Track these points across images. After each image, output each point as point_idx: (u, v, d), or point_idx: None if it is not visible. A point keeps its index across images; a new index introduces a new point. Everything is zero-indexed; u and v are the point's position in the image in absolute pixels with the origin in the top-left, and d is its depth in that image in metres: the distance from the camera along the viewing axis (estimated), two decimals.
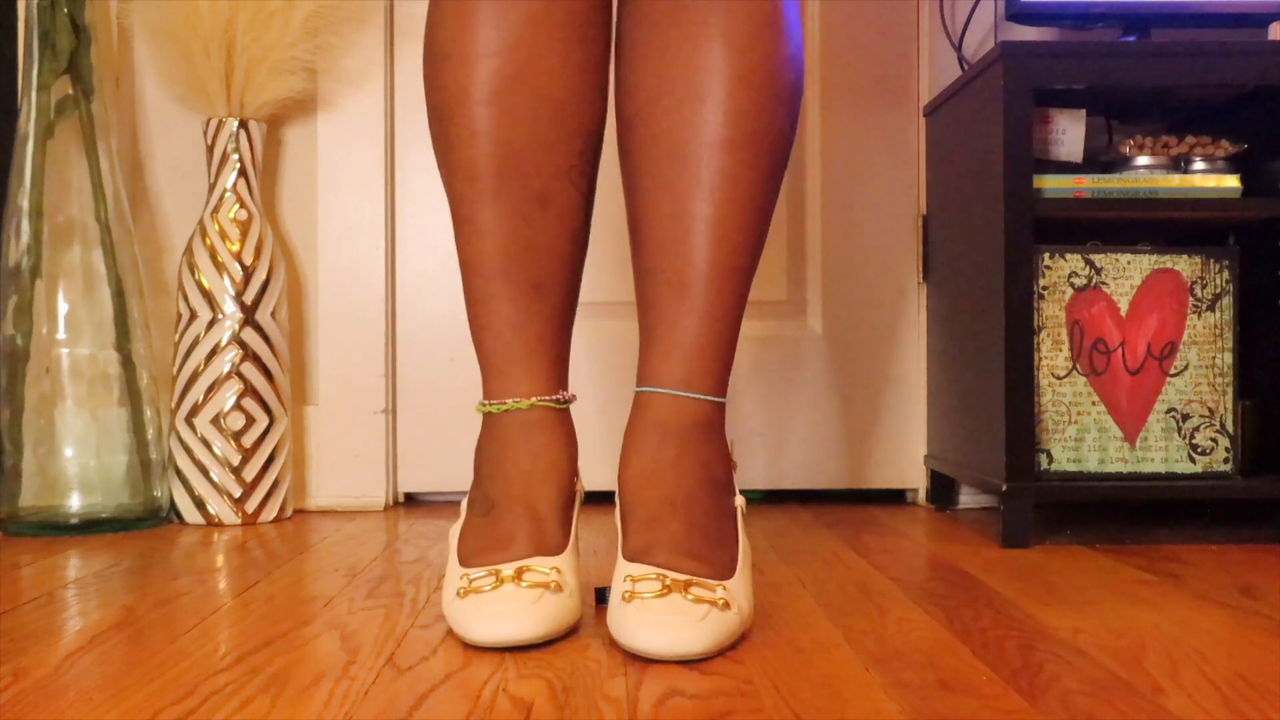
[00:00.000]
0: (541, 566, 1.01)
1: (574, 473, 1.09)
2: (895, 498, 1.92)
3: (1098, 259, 1.54)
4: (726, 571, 1.01)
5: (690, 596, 0.96)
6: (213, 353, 1.69)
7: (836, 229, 1.89)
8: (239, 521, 1.69)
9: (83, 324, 1.65)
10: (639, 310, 1.08)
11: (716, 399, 1.05)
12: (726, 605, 0.97)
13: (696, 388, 1.04)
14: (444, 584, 1.06)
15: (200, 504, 1.69)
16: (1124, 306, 1.54)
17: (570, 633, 1.02)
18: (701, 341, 1.04)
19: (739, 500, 1.07)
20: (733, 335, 1.06)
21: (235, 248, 1.70)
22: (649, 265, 1.05)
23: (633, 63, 1.07)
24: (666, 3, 1.05)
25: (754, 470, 1.88)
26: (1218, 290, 1.54)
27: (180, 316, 1.71)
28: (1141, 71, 1.52)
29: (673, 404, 1.04)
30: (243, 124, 1.73)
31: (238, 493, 1.69)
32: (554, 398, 1.08)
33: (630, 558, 1.01)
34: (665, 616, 0.94)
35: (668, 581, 0.97)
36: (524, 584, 0.99)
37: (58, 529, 1.61)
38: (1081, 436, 1.53)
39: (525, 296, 1.07)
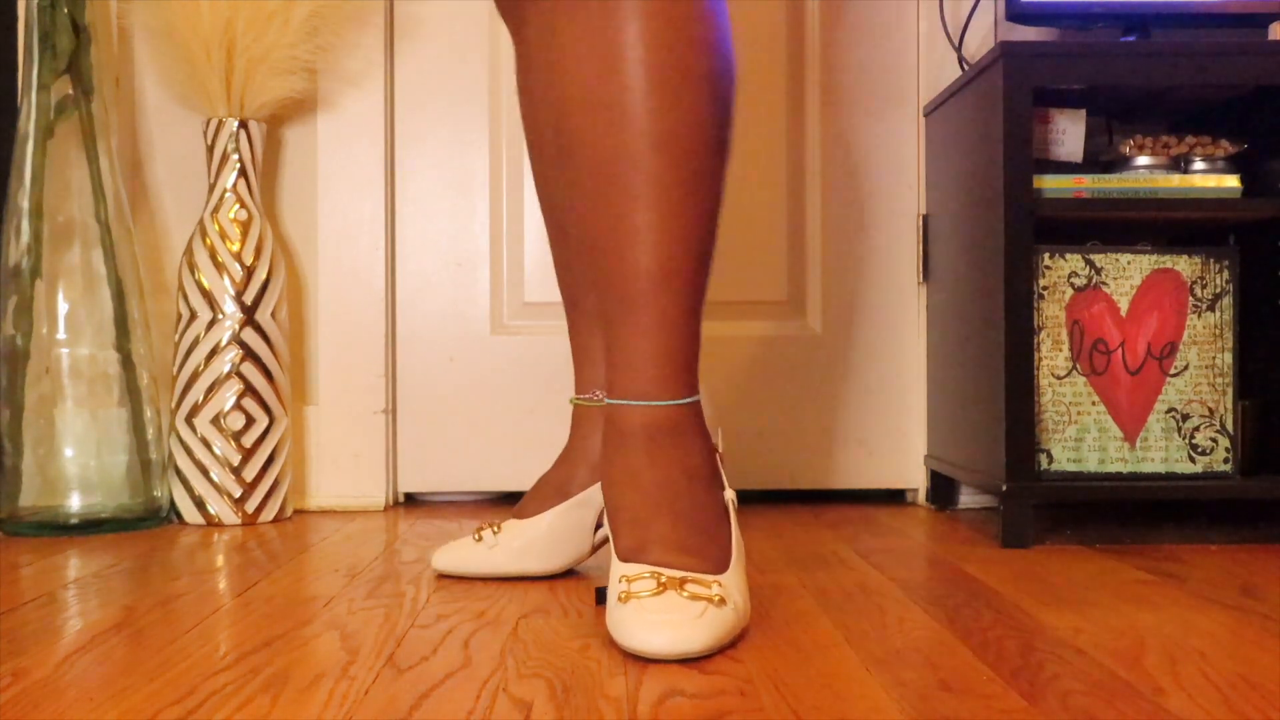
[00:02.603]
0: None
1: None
2: (895, 498, 1.92)
3: (1098, 259, 1.54)
4: (720, 566, 1.00)
5: (686, 594, 0.96)
6: (213, 353, 1.69)
7: (836, 229, 1.89)
8: (239, 521, 1.69)
9: (83, 324, 1.65)
10: (601, 317, 1.07)
11: (682, 401, 1.04)
12: (723, 601, 0.96)
13: (657, 396, 1.03)
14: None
15: (200, 504, 1.69)
16: (1124, 306, 1.54)
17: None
18: (656, 351, 1.03)
19: (728, 494, 1.06)
20: (689, 337, 1.04)
21: (235, 248, 1.70)
22: (593, 278, 1.05)
23: (540, 69, 1.06)
24: (567, 3, 1.01)
25: (754, 470, 1.88)
26: (1218, 290, 1.54)
27: (180, 316, 1.71)
28: (1141, 71, 1.52)
29: (639, 413, 1.04)
30: (243, 124, 1.73)
31: (238, 493, 1.69)
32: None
33: (624, 557, 1.01)
34: (663, 615, 0.94)
35: (663, 579, 0.96)
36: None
37: (58, 529, 1.61)
38: (1081, 436, 1.53)
39: None
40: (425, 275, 1.88)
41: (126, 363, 1.67)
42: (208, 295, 1.70)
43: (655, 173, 0.99)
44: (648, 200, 0.99)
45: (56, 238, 1.64)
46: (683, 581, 0.97)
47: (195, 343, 1.69)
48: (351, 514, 1.80)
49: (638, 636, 0.93)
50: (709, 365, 1.87)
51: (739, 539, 1.05)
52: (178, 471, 1.70)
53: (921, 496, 1.89)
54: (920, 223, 1.87)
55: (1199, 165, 1.57)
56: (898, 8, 1.88)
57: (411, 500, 1.93)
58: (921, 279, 1.88)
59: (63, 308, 1.64)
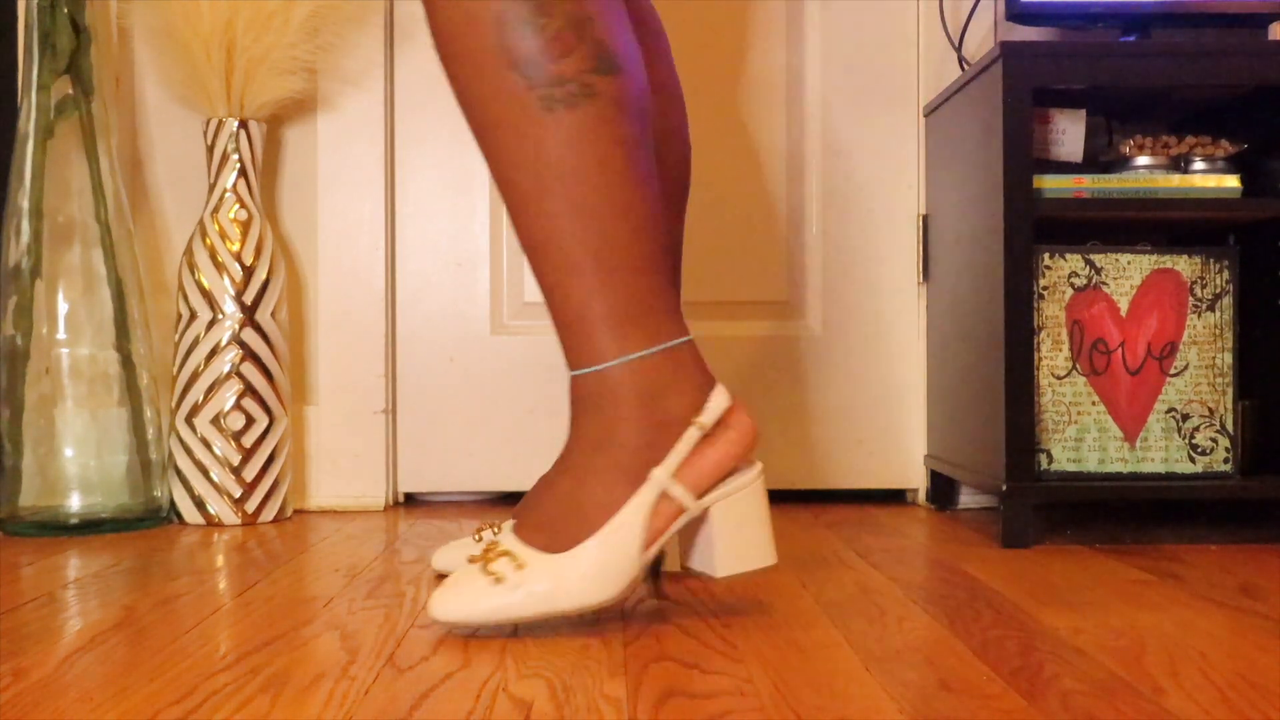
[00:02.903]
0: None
1: None
2: (895, 498, 1.92)
3: (1098, 259, 1.54)
4: (560, 545, 1.02)
5: (484, 567, 1.02)
6: (213, 353, 1.69)
7: (836, 229, 1.89)
8: (239, 521, 1.69)
9: (83, 324, 1.65)
10: None
11: (588, 370, 1.03)
12: (499, 580, 1.01)
13: (572, 365, 1.04)
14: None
15: (200, 504, 1.69)
16: (1124, 306, 1.54)
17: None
18: (569, 321, 1.04)
19: (655, 472, 1.03)
20: (606, 302, 1.03)
21: (235, 248, 1.70)
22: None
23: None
24: None
25: None
26: (1218, 290, 1.54)
27: (180, 316, 1.71)
28: (1141, 71, 1.52)
29: (573, 382, 1.06)
30: (243, 124, 1.73)
31: (238, 493, 1.69)
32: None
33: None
34: (451, 583, 1.02)
35: (486, 551, 1.02)
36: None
37: (58, 529, 1.61)
38: (1081, 436, 1.53)
39: None
40: (425, 275, 1.88)
41: (126, 363, 1.67)
42: (208, 295, 1.70)
43: (500, 183, 1.03)
44: (511, 211, 1.03)
45: (56, 238, 1.64)
46: (495, 555, 1.02)
47: (195, 343, 1.69)
48: (351, 514, 1.80)
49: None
50: (709, 365, 1.87)
51: (631, 521, 1.02)
52: (178, 471, 1.70)
53: (921, 496, 1.89)
54: (920, 223, 1.87)
55: (1199, 165, 1.57)
56: (898, 8, 1.88)
57: (411, 500, 1.93)
58: (921, 279, 1.88)
59: (63, 308, 1.64)
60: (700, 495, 1.04)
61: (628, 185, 1.02)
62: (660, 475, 1.03)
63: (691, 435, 1.03)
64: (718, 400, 1.05)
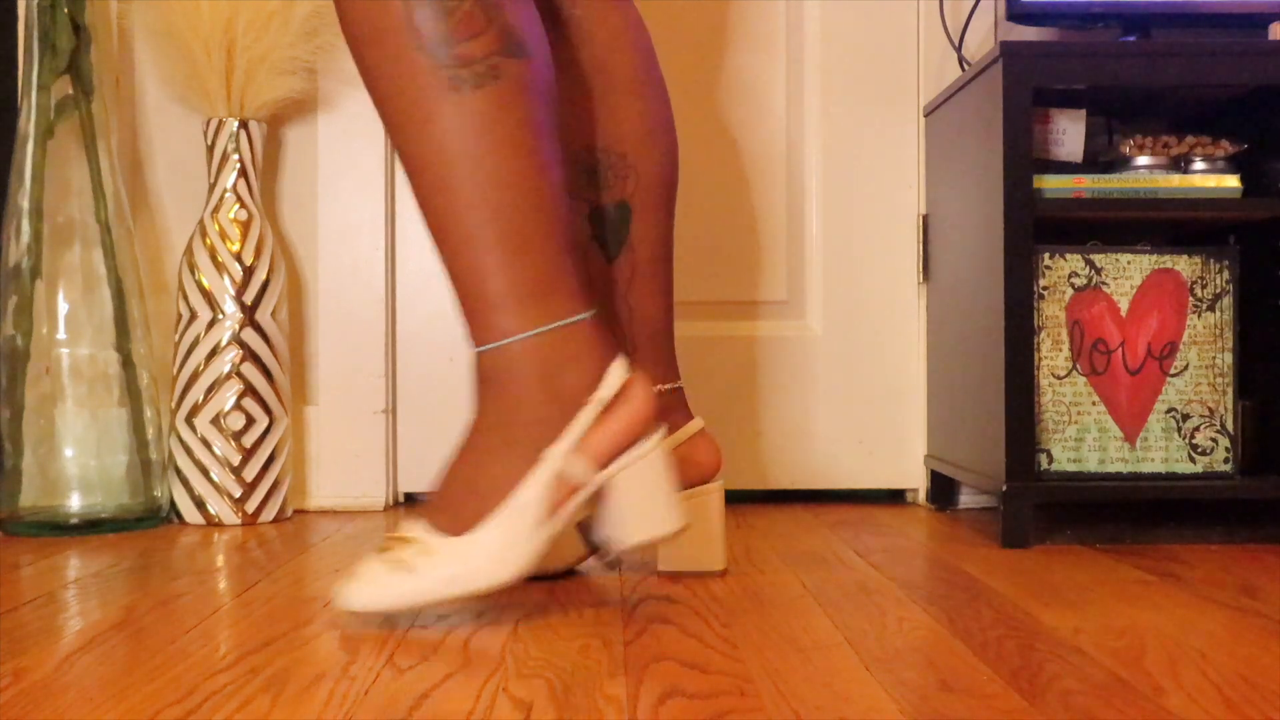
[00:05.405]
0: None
1: None
2: (895, 498, 1.92)
3: (1098, 259, 1.54)
4: (461, 527, 1.03)
5: (395, 555, 1.03)
6: (213, 353, 1.69)
7: (836, 229, 1.89)
8: (239, 521, 1.69)
9: (83, 324, 1.65)
10: None
11: (484, 349, 1.05)
12: (405, 567, 1.02)
13: (473, 344, 1.06)
14: None
15: (200, 504, 1.69)
16: (1124, 306, 1.54)
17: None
18: (465, 296, 1.05)
19: (550, 451, 1.04)
20: (500, 279, 1.04)
21: (235, 248, 1.70)
22: None
23: None
24: None
25: (754, 470, 1.88)
26: (1218, 290, 1.54)
27: (180, 316, 1.71)
28: (1141, 71, 1.52)
29: (475, 360, 1.07)
30: (243, 124, 1.73)
31: (238, 493, 1.69)
32: None
33: None
34: (358, 576, 1.04)
35: (397, 539, 1.04)
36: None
37: (58, 529, 1.61)
38: (1081, 436, 1.53)
39: None
40: (425, 275, 1.88)
41: (126, 363, 1.67)
42: (208, 295, 1.70)
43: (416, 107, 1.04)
44: (433, 148, 1.03)
45: (56, 238, 1.65)
46: (402, 542, 1.04)
47: (195, 343, 1.69)
48: (351, 514, 1.80)
49: None
50: (709, 365, 1.87)
51: (530, 499, 1.03)
52: (178, 471, 1.70)
53: (921, 496, 1.89)
54: (920, 223, 1.87)
55: (1199, 165, 1.57)
56: (898, 8, 1.88)
57: (412, 500, 1.93)
58: (921, 279, 1.88)
59: (63, 308, 1.64)
60: (601, 468, 1.05)
61: (531, 166, 1.04)
62: (557, 452, 1.04)
63: (590, 411, 1.05)
64: (616, 374, 1.06)
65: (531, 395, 1.05)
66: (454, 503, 1.05)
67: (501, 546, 1.03)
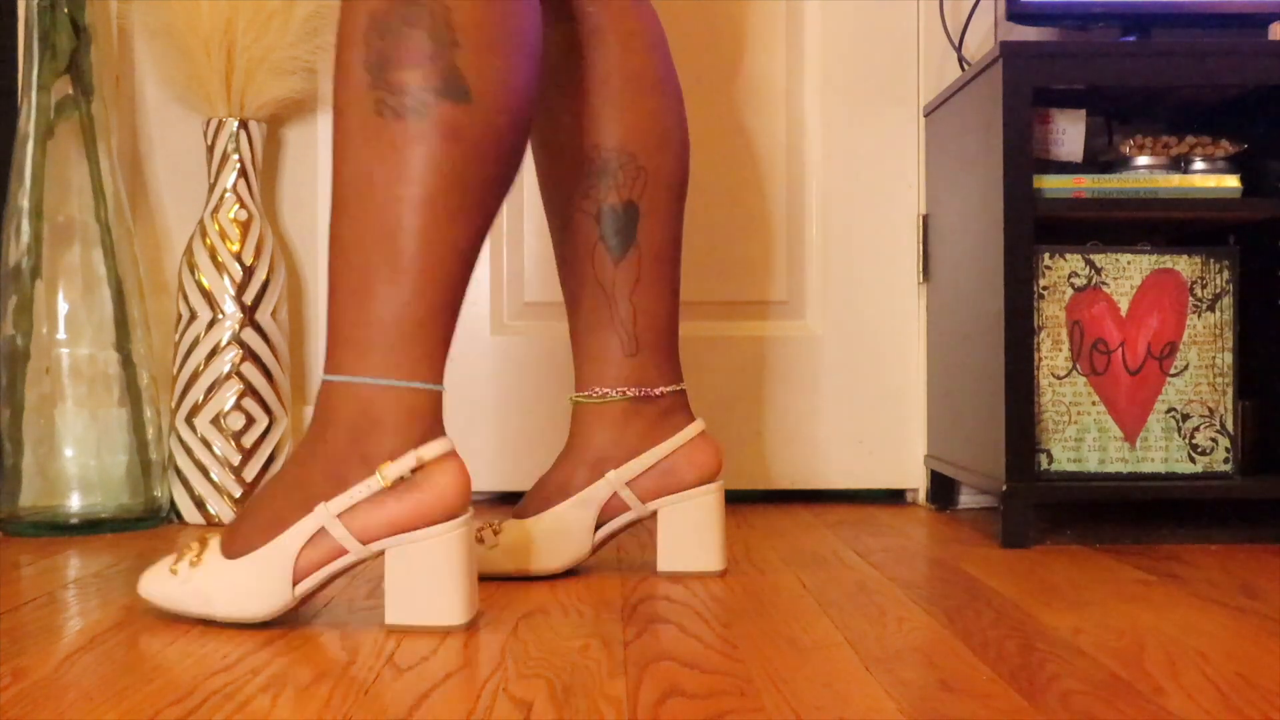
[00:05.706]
0: None
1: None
2: (895, 498, 1.92)
3: (1098, 259, 1.54)
4: (234, 551, 1.04)
5: (177, 554, 1.08)
6: (213, 353, 1.69)
7: (836, 229, 1.89)
8: None
9: (83, 324, 1.65)
10: None
11: (326, 377, 1.04)
12: (174, 572, 1.06)
13: (324, 370, 1.05)
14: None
15: (200, 504, 1.69)
16: (1124, 306, 1.54)
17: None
18: (328, 321, 1.05)
19: (322, 506, 1.02)
20: (339, 319, 1.03)
21: (235, 248, 1.70)
22: None
23: None
24: None
25: (754, 470, 1.88)
26: (1218, 290, 1.54)
27: (180, 316, 1.71)
28: (1141, 71, 1.52)
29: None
30: (243, 124, 1.73)
31: (238, 493, 1.69)
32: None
33: None
34: (153, 565, 1.09)
35: (192, 543, 1.08)
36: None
37: (58, 529, 1.61)
38: (1081, 436, 1.53)
39: None
40: None
41: (126, 363, 1.67)
42: (208, 295, 1.70)
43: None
44: (349, 164, 1.02)
45: (56, 238, 1.64)
46: (192, 544, 1.07)
47: (195, 343, 1.69)
48: None
49: None
50: (709, 365, 1.87)
51: (287, 547, 1.02)
52: (178, 471, 1.70)
53: (921, 496, 1.89)
54: (920, 223, 1.87)
55: (1199, 165, 1.57)
56: (898, 8, 1.88)
57: None
58: (921, 279, 1.88)
59: (63, 308, 1.64)
60: (365, 543, 1.02)
61: (428, 217, 1.00)
62: (323, 512, 1.02)
63: (371, 483, 1.02)
64: (412, 459, 1.01)
65: (338, 444, 1.02)
66: (241, 524, 1.05)
67: (251, 583, 1.03)
